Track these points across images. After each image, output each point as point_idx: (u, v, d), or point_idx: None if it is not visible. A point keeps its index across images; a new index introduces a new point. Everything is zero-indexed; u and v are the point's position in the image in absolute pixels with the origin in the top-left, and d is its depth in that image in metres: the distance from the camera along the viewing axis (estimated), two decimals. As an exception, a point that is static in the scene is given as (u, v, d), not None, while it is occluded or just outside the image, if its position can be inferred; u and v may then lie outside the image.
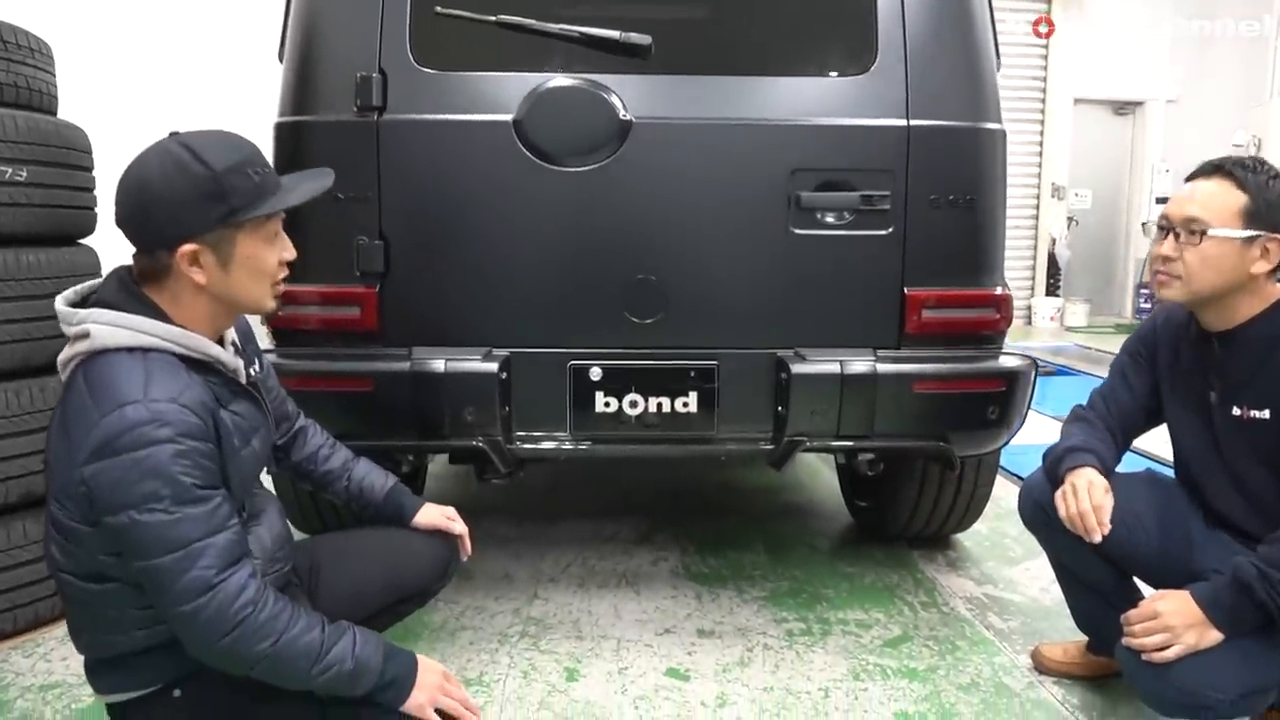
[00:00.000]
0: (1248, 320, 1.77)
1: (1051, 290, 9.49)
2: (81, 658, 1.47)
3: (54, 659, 2.24)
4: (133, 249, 1.39)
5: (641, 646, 2.34)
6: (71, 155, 2.45)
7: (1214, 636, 1.60)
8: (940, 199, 2.23)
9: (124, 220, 1.37)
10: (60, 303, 1.39)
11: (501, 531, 3.17)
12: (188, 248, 1.35)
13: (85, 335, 1.34)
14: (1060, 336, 8.68)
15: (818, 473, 3.96)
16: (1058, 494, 1.88)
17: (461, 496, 3.63)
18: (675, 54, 2.22)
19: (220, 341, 1.46)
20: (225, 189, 1.35)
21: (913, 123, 2.21)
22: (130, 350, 1.33)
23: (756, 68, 2.23)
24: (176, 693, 1.42)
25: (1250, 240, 1.70)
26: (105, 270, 1.49)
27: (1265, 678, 1.63)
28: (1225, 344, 1.80)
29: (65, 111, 2.61)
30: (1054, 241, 9.40)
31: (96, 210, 2.63)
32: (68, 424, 1.32)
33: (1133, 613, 1.68)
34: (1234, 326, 1.78)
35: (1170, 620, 1.62)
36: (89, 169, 2.57)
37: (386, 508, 1.81)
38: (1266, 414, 1.74)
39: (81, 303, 1.40)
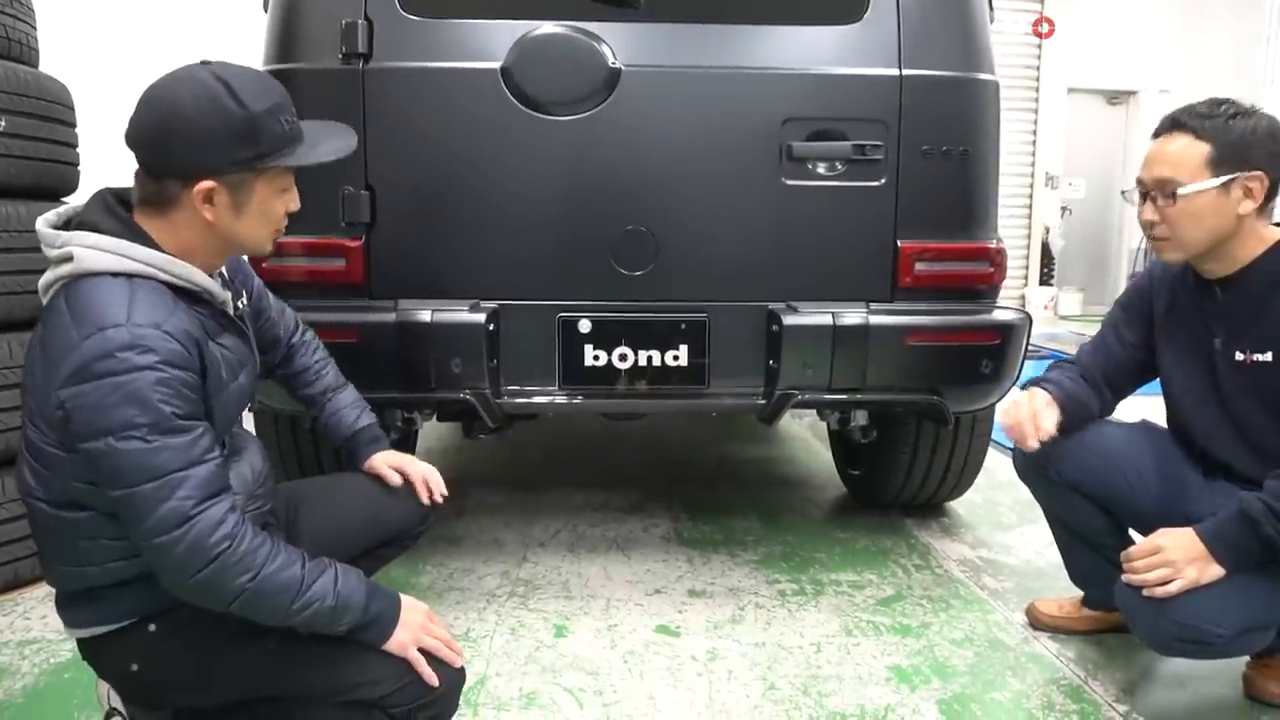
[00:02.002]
0: (1248, 264, 1.74)
1: (1045, 279, 9.48)
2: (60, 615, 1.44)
3: (33, 616, 2.20)
4: (139, 169, 1.34)
5: (631, 605, 2.31)
6: (53, 109, 2.41)
7: (1215, 572, 1.57)
8: (933, 150, 2.20)
9: (141, 142, 1.32)
10: (42, 224, 1.35)
11: (491, 500, 3.14)
12: (205, 185, 1.31)
13: (69, 258, 1.30)
14: (1054, 325, 8.67)
15: (811, 446, 3.94)
16: (1001, 409, 1.86)
17: (451, 465, 3.60)
18: (666, 1, 2.18)
19: (208, 273, 1.43)
20: (257, 132, 1.31)
21: (905, 72, 2.18)
22: (115, 275, 1.29)
23: (748, 15, 2.20)
24: (151, 627, 1.38)
25: (1226, 185, 1.67)
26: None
27: (1266, 615, 1.61)
28: (1227, 289, 1.77)
29: (48, 69, 2.57)
30: (1047, 230, 9.39)
31: (79, 168, 2.59)
32: (47, 346, 1.28)
33: (1134, 548, 1.66)
34: (1234, 272, 1.75)
35: (1172, 555, 1.59)
36: (71, 124, 2.53)
37: (346, 448, 1.78)
38: (1269, 357, 1.71)
39: (64, 226, 1.36)
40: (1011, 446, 2.07)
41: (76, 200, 2.52)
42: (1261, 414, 1.75)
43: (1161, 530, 1.66)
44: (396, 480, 1.73)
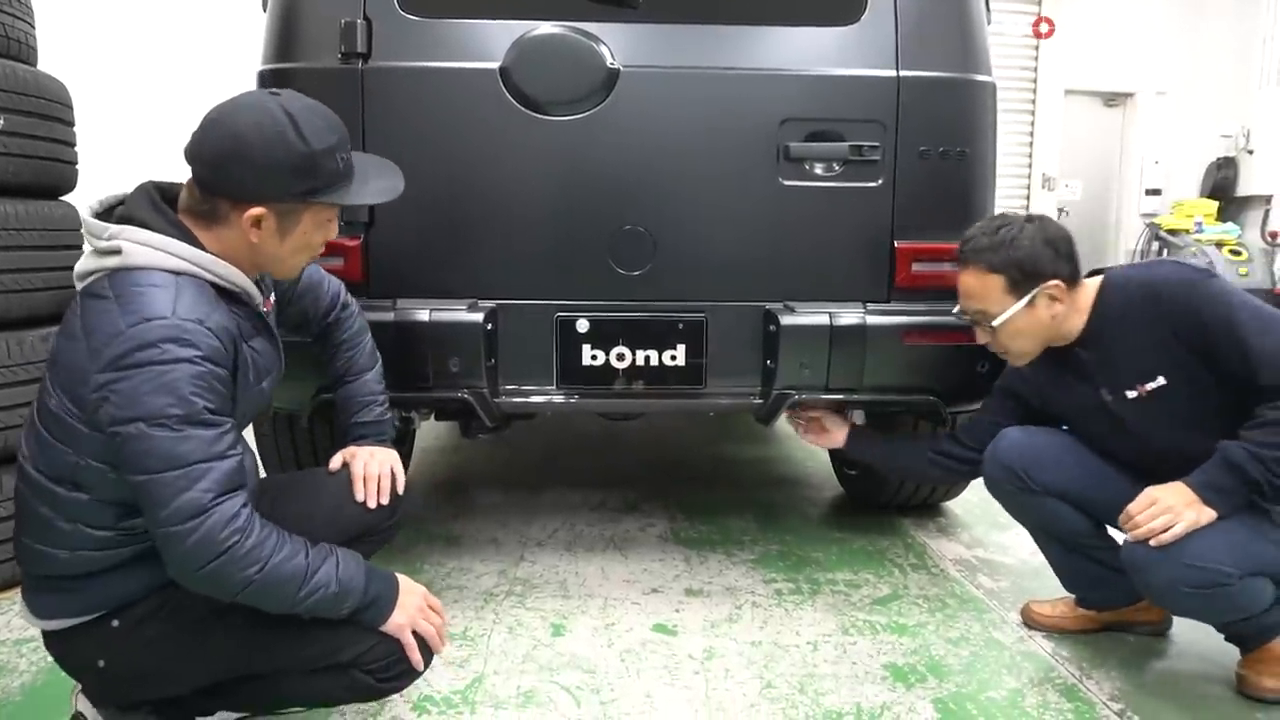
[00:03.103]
0: (1087, 322, 1.87)
1: (1042, 281, 9.48)
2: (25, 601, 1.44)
3: (31, 615, 2.21)
4: (192, 181, 1.38)
5: (628, 604, 2.32)
6: (51, 107, 2.41)
7: (1211, 514, 1.67)
8: (930, 151, 2.21)
9: (201, 160, 1.36)
10: (87, 213, 1.38)
11: (488, 499, 3.14)
12: (256, 211, 1.36)
13: (116, 251, 1.32)
14: (1051, 326, 8.69)
15: (807, 446, 3.93)
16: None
17: (449, 465, 3.60)
18: (664, 2, 2.19)
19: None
20: (315, 169, 1.37)
21: (902, 73, 2.19)
22: (162, 269, 1.32)
23: (746, 16, 2.21)
24: (114, 623, 1.40)
25: (1031, 302, 1.85)
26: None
27: (1267, 557, 1.70)
28: (1086, 347, 1.89)
29: (46, 68, 2.57)
30: (1044, 232, 9.40)
31: (77, 166, 2.59)
32: (90, 330, 1.30)
33: (1131, 505, 1.73)
34: (1081, 333, 1.88)
35: (1169, 501, 1.68)
36: (69, 123, 2.54)
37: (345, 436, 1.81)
38: (1162, 380, 1.79)
39: (106, 214, 1.39)
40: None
41: (74, 197, 2.57)
42: (1179, 430, 1.80)
43: (1152, 487, 1.73)
44: (358, 476, 1.68)
